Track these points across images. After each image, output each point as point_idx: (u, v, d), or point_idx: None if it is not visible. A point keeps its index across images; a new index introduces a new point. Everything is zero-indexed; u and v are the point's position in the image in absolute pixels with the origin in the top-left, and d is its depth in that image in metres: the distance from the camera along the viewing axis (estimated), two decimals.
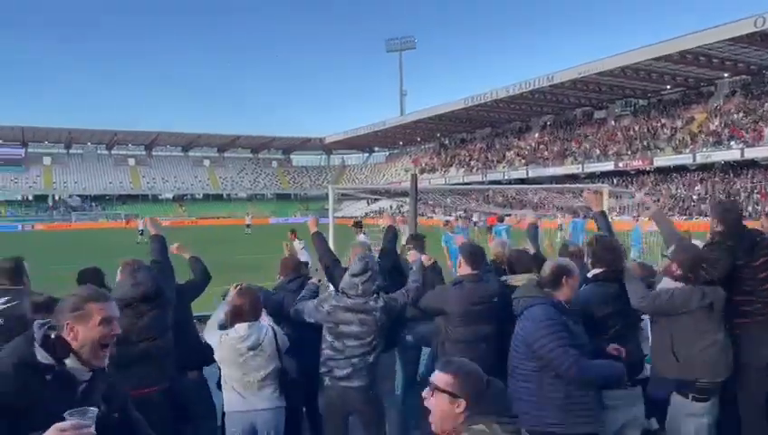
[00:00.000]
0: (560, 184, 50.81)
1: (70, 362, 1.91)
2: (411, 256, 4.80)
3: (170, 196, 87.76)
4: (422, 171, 70.07)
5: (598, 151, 54.15)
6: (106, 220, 69.83)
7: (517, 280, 4.04)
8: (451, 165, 73.50)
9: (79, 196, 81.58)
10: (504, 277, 4.32)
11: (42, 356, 1.84)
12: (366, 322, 3.74)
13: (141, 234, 35.16)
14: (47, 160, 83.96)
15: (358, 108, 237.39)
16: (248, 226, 44.86)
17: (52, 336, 1.88)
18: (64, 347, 1.90)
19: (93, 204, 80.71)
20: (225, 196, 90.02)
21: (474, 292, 3.92)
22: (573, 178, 52.16)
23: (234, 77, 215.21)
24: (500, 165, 65.08)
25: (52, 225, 67.46)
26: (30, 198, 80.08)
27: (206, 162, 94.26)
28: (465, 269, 4.03)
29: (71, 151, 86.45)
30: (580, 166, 53.94)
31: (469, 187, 52.45)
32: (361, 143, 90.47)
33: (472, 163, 69.72)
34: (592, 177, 51.26)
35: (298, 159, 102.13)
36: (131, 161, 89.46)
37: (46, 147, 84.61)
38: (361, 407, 3.80)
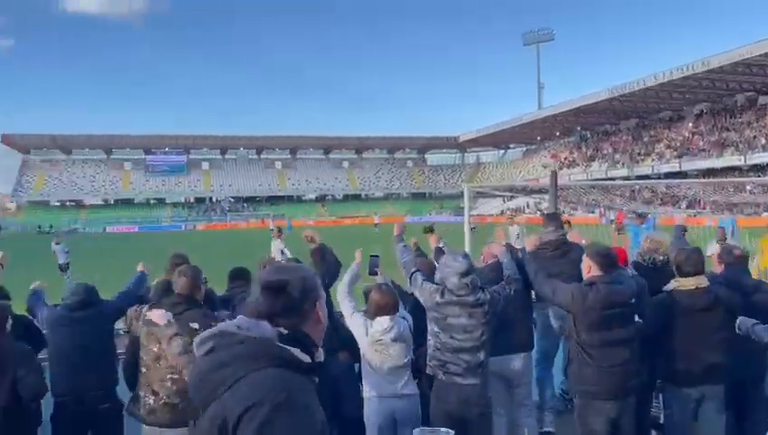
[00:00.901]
0: (718, 178, 46.54)
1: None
2: (495, 248, 4.58)
3: (313, 196, 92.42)
4: (561, 166, 67.28)
5: (764, 141, 48.52)
6: (255, 220, 74.94)
7: (688, 283, 3.85)
8: (593, 159, 69.86)
9: (233, 198, 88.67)
10: (671, 282, 4.02)
11: (302, 357, 1.52)
12: (474, 314, 3.69)
13: (273, 231, 37.99)
14: (205, 165, 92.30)
15: (492, 104, 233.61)
16: (376, 225, 46.24)
17: (286, 332, 1.56)
18: (313, 339, 1.64)
19: (245, 205, 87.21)
20: (362, 196, 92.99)
21: (609, 295, 3.72)
22: (734, 170, 47.28)
23: (371, 79, 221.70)
24: (648, 158, 60.69)
25: (210, 224, 73.97)
26: (191, 200, 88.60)
27: (345, 164, 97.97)
28: (594, 271, 3.83)
29: (226, 157, 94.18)
30: (741, 157, 48.72)
31: (614, 182, 49.51)
32: (496, 140, 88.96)
33: (617, 157, 65.70)
34: (757, 169, 46.10)
35: (432, 158, 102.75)
36: (278, 165, 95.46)
37: (205, 153, 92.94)
38: (475, 407, 3.68)
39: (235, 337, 1.51)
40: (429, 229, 13.17)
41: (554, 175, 6.96)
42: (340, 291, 4.17)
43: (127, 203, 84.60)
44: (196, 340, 1.56)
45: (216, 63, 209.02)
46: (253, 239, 34.76)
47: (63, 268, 18.01)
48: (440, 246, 6.14)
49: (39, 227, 69.51)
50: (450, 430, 1.56)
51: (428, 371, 3.81)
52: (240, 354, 1.48)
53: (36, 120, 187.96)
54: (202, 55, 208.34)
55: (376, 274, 4.41)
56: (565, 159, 74.55)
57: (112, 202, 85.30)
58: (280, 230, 15.01)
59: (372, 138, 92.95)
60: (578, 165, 70.95)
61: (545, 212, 6.54)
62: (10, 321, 3.59)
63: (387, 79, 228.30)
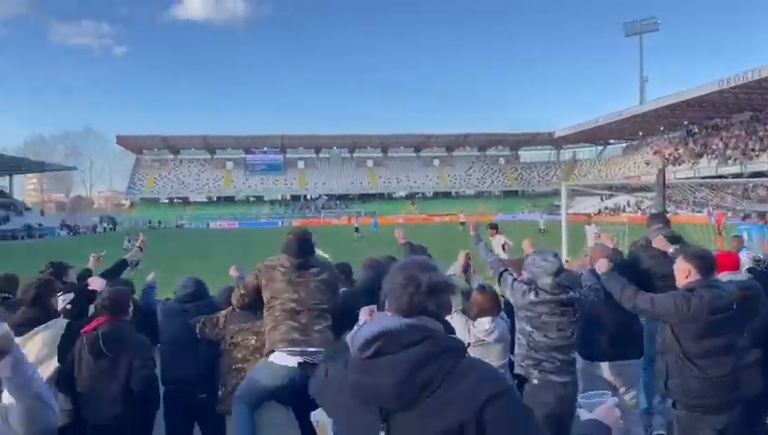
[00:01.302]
0: None
1: None
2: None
3: (403, 194, 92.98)
4: (666, 163, 63.45)
5: None
6: (347, 217, 76.37)
7: None
8: (701, 156, 65.41)
9: (326, 195, 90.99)
10: None
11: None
12: (566, 313, 3.68)
13: (357, 231, 39.12)
14: (301, 164, 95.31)
15: (590, 99, 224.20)
16: (462, 223, 45.87)
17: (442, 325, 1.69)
18: None
19: (338, 202, 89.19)
20: (453, 193, 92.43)
21: (713, 300, 3.51)
22: None
23: (462, 76, 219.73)
24: (763, 154, 56.04)
25: (305, 221, 76.28)
26: (288, 197, 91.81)
27: (436, 162, 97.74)
28: (693, 276, 3.63)
29: (320, 156, 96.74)
30: None
31: (727, 180, 46.22)
32: (594, 136, 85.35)
33: (728, 153, 61.14)
34: None
35: (526, 154, 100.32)
36: (369, 163, 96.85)
37: (300, 152, 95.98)
38: (570, 405, 3.56)
39: (412, 335, 1.56)
40: (494, 227, 12.83)
41: (662, 173, 6.62)
42: None
43: (228, 200, 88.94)
44: (357, 343, 1.60)
45: (311, 64, 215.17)
46: (342, 236, 35.59)
47: (132, 265, 18.94)
48: (503, 243, 6.01)
49: (150, 222, 74.63)
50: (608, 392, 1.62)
51: (519, 371, 3.77)
52: (442, 349, 1.54)
53: (147, 122, 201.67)
54: (298, 57, 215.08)
55: (467, 271, 4.40)
56: (670, 155, 70.28)
57: (215, 199, 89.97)
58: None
59: (463, 135, 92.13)
60: (684, 162, 66.73)
61: (650, 211, 6.21)
62: (131, 307, 3.76)
63: (477, 76, 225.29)
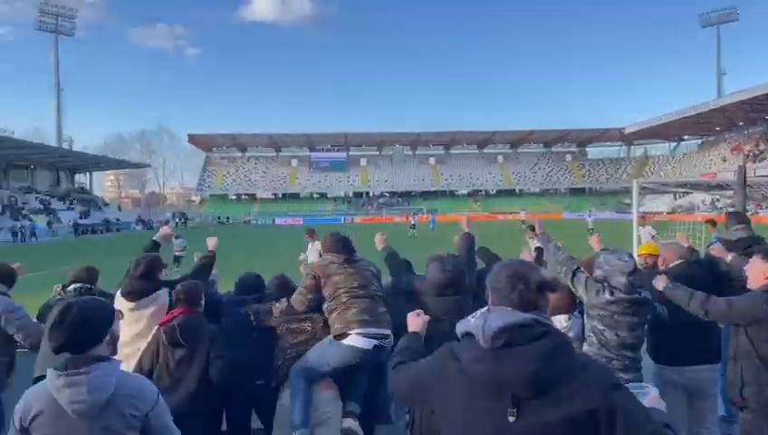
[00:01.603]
0: None
1: None
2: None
3: (465, 192, 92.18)
4: (746, 160, 60.06)
5: None
6: (408, 214, 76.45)
7: None
8: None
9: (388, 192, 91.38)
10: None
11: None
12: (638, 313, 3.66)
13: (413, 228, 38.83)
14: (363, 162, 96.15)
15: (663, 93, 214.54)
16: (523, 222, 44.77)
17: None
18: None
19: (399, 199, 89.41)
20: (517, 191, 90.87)
21: None
22: None
23: (525, 71, 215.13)
24: None
25: (367, 218, 76.97)
26: (350, 194, 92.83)
27: (500, 158, 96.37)
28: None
29: (382, 153, 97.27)
30: None
31: None
32: (668, 131, 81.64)
33: None
34: None
35: (594, 151, 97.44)
36: (432, 160, 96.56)
37: (363, 150, 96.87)
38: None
39: (536, 329, 1.74)
40: (531, 228, 12.46)
41: (743, 170, 6.27)
42: None
43: (293, 197, 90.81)
44: (487, 334, 1.73)
45: (374, 62, 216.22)
46: (400, 232, 35.73)
47: (176, 260, 19.00)
48: (538, 244, 5.82)
49: (218, 218, 77.19)
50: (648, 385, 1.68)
51: None
52: (562, 343, 1.74)
53: (217, 120, 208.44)
54: (362, 55, 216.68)
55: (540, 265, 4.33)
56: (749, 151, 66.48)
57: (281, 196, 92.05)
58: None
59: (528, 131, 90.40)
60: (765, 158, 62.99)
61: (728, 210, 5.90)
62: (203, 300, 3.89)
63: (541, 71, 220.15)
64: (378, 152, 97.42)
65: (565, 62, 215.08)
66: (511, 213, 73.64)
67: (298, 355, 3.90)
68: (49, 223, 52.75)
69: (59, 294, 4.13)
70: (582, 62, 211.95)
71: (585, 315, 3.82)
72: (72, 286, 4.09)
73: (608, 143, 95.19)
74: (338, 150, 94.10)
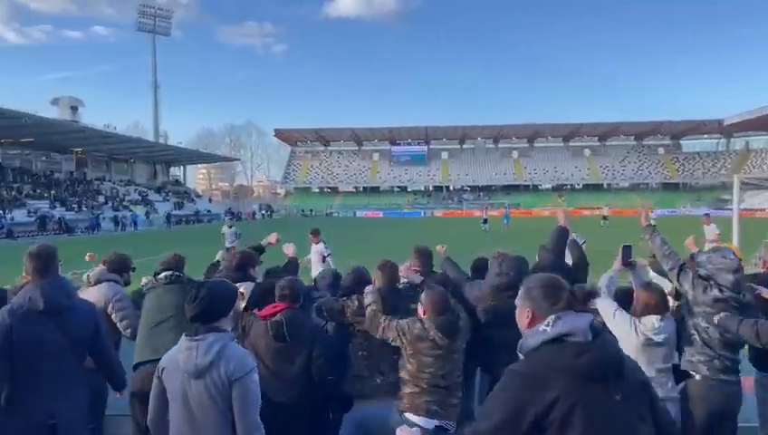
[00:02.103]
0: None
1: None
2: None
3: (549, 186, 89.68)
4: None
5: None
6: (491, 209, 75.44)
7: None
8: None
9: (469, 187, 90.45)
10: None
11: None
12: (743, 312, 3.59)
13: (485, 222, 37.74)
14: (444, 155, 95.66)
15: (766, 82, 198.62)
16: (605, 217, 42.77)
17: None
18: None
19: (480, 194, 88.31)
20: (605, 185, 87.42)
21: None
22: None
23: (616, 61, 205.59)
24: None
25: (447, 212, 76.58)
26: (430, 188, 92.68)
27: (587, 152, 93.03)
28: None
29: (464, 147, 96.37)
30: None
31: None
32: None
33: None
34: None
35: (689, 144, 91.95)
36: (515, 154, 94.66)
37: (444, 143, 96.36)
38: (737, 406, 3.51)
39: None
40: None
41: None
42: (602, 289, 3.95)
43: (374, 190, 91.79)
44: (582, 331, 1.94)
45: (456, 55, 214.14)
46: (472, 226, 35.23)
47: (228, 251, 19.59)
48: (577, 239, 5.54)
49: (302, 210, 79.33)
50: None
51: (686, 366, 3.72)
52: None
53: (302, 115, 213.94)
54: (444, 48, 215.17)
55: (631, 265, 4.18)
56: None
57: (362, 189, 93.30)
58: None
59: (617, 123, 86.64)
60: None
61: None
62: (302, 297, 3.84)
63: (632, 61, 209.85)
64: (459, 146, 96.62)
65: (657, 49, 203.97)
66: (598, 208, 70.99)
67: (365, 364, 3.82)
68: (147, 214, 56.12)
69: (150, 282, 4.36)
70: (676, 50, 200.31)
71: (687, 313, 3.75)
72: (162, 274, 4.31)
73: (705, 136, 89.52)
74: (418, 144, 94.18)
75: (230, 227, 19.61)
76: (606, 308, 3.84)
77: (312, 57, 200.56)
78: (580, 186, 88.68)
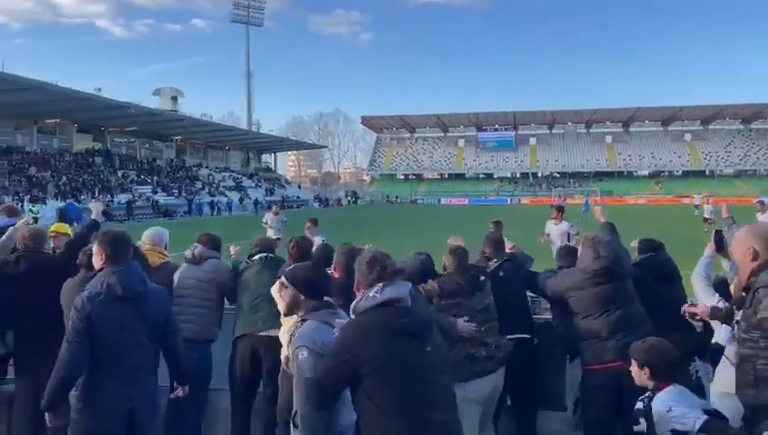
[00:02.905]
0: None
1: None
2: None
3: (646, 172, 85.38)
4: None
5: None
6: (580, 196, 72.81)
7: None
8: None
9: (558, 173, 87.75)
10: None
11: None
12: None
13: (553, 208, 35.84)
14: (533, 141, 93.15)
15: None
16: (697, 207, 39.87)
17: None
18: None
19: (571, 180, 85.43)
20: (707, 172, 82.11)
21: None
22: None
23: (719, 43, 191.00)
24: None
25: (534, 199, 74.69)
26: (517, 175, 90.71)
27: (687, 136, 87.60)
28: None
29: (553, 132, 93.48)
30: None
31: None
32: None
33: None
34: None
35: None
36: (608, 139, 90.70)
37: (532, 129, 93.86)
38: None
39: None
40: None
41: None
42: (699, 277, 3.71)
43: (459, 177, 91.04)
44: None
45: (544, 38, 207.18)
46: (571, 214, 33.94)
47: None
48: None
49: (387, 197, 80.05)
50: None
51: None
52: None
53: (387, 102, 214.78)
54: (532, 32, 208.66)
55: (724, 251, 3.92)
56: None
57: (447, 176, 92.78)
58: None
59: (722, 106, 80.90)
60: None
61: None
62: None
63: (737, 41, 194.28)
64: (548, 131, 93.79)
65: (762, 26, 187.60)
66: (690, 196, 66.80)
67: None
68: (241, 199, 58.67)
69: (246, 263, 4.61)
70: None
71: None
72: (257, 255, 4.55)
73: None
74: (506, 130, 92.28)
75: (276, 214, 17.12)
76: (707, 295, 3.59)
77: (398, 44, 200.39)
78: (680, 172, 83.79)
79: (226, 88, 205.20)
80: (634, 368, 2.93)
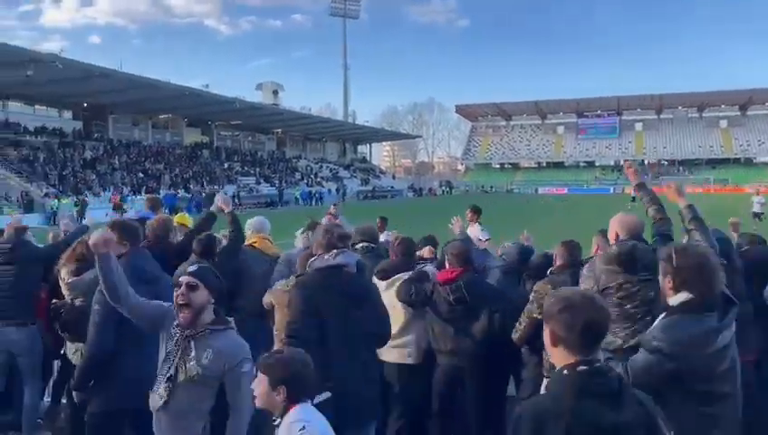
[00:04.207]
0: None
1: None
2: None
3: (766, 159, 78.56)
4: None
5: None
6: (694, 185, 68.24)
7: None
8: None
9: (667, 160, 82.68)
10: None
11: None
12: None
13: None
14: (639, 127, 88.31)
15: None
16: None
17: None
18: None
19: (681, 168, 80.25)
20: None
21: None
22: None
23: None
24: None
25: None
26: (621, 163, 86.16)
27: None
28: None
29: (661, 117, 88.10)
30: None
31: None
32: None
33: None
34: None
35: None
36: (723, 123, 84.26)
37: (638, 114, 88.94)
38: None
39: None
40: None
41: None
42: None
43: (558, 166, 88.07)
44: None
45: (647, 16, 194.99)
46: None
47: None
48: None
49: (482, 186, 78.87)
50: None
51: None
52: None
53: (483, 90, 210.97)
54: (635, 8, 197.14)
55: None
56: None
57: (544, 165, 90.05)
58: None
59: None
60: None
61: None
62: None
63: None
64: (656, 116, 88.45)
65: None
66: None
67: None
68: (337, 189, 60.02)
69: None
70: None
71: None
72: (360, 244, 4.63)
73: None
74: (609, 115, 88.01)
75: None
76: None
77: (494, 29, 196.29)
78: None
79: (324, 80, 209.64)
80: None
